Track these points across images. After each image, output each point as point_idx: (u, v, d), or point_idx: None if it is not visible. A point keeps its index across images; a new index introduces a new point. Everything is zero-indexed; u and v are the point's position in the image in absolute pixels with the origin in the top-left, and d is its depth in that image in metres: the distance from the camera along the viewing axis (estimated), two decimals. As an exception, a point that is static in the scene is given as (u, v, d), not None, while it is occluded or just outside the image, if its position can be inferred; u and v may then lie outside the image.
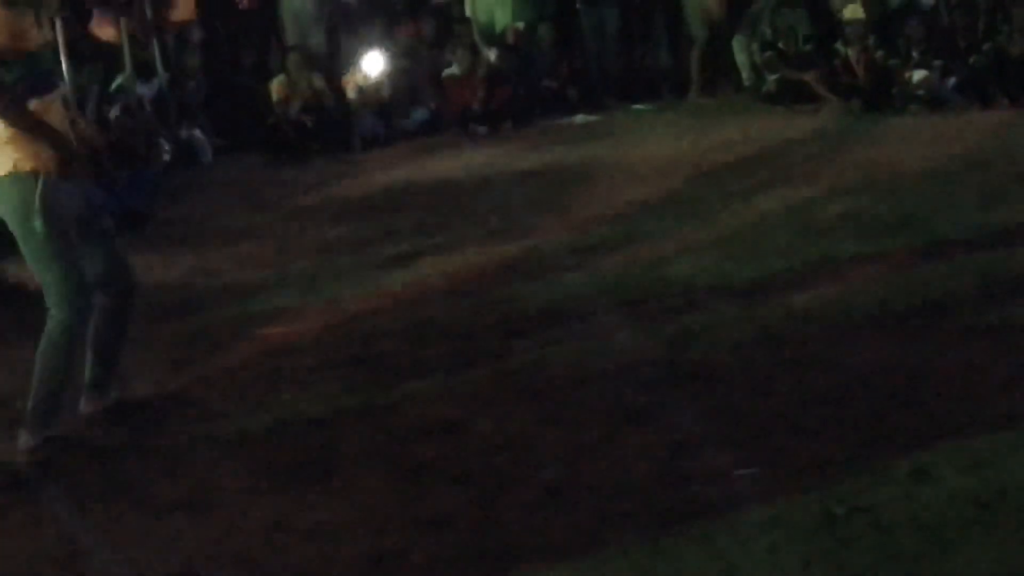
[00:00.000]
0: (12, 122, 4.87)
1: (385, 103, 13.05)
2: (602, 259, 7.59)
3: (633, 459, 4.67)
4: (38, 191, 4.89)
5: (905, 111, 11.95)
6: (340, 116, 12.71)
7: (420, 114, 13.18)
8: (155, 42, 12.20)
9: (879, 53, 12.46)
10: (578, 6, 13.91)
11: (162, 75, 12.26)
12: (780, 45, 12.90)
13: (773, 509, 4.13)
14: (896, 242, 7.32)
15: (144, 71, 12.13)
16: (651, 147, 11.14)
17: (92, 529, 4.51)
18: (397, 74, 13.23)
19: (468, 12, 13.99)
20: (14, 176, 4.92)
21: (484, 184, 10.19)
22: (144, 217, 9.50)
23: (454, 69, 13.13)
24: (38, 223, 4.90)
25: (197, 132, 12.25)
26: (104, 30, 11.95)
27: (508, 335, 6.33)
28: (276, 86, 12.69)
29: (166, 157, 10.21)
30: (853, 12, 12.73)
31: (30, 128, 4.89)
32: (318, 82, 12.87)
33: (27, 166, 4.90)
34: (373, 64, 12.91)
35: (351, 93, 12.94)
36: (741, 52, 13.28)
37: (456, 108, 13.04)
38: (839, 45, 12.69)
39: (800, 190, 8.88)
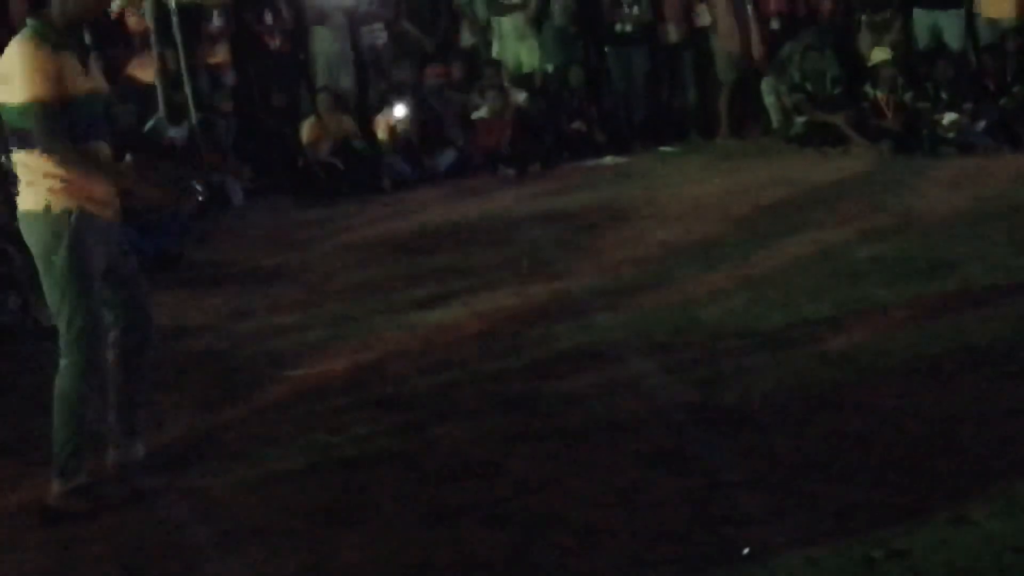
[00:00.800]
0: (68, 162, 4.92)
1: (414, 145, 13.10)
2: (632, 301, 7.59)
3: (667, 502, 4.67)
4: (70, 228, 4.94)
5: (935, 154, 11.93)
6: (370, 158, 12.77)
7: (449, 156, 13.22)
8: (188, 84, 12.28)
9: (908, 96, 12.46)
10: (606, 49, 13.96)
11: (193, 116, 12.33)
12: (809, 88, 12.91)
13: (810, 553, 4.11)
14: (928, 286, 7.31)
15: (176, 113, 12.22)
16: (680, 189, 11.15)
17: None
18: (425, 116, 13.29)
19: (496, 54, 14.05)
20: (47, 211, 4.96)
21: (513, 226, 10.21)
22: (175, 258, 9.55)
23: (483, 112, 13.18)
24: (62, 258, 4.93)
25: (229, 177, 12.32)
26: (143, 71, 12.06)
27: (540, 377, 6.34)
28: (306, 128, 12.76)
29: (200, 199, 10.23)
30: (881, 55, 12.75)
31: (86, 168, 4.95)
32: (348, 124, 12.95)
33: (62, 203, 4.95)
34: (402, 108, 12.98)
35: (381, 134, 13.00)
36: (770, 94, 13.29)
37: (485, 150, 13.07)
38: (868, 88, 12.69)
39: (830, 233, 8.87)
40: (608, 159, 13.22)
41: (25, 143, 4.95)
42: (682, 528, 4.42)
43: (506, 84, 13.54)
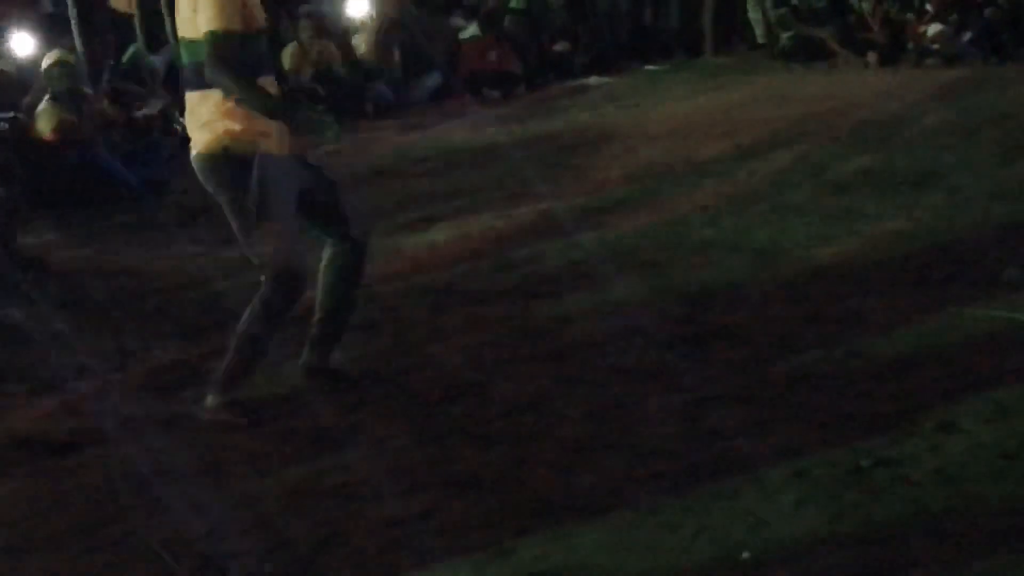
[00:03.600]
0: (251, 101, 4.81)
1: (397, 69, 13.00)
2: (619, 220, 7.56)
3: (657, 417, 4.66)
4: (255, 169, 4.86)
5: (921, 65, 11.86)
6: (352, 82, 12.67)
7: (433, 80, 13.12)
8: (166, 12, 12.13)
9: (893, 8, 12.37)
10: (588, -32, 13.86)
11: (174, 45, 12.19)
12: (794, 2, 12.82)
13: (799, 464, 4.11)
14: (916, 197, 7.29)
15: (155, 41, 12.09)
16: (665, 107, 11.10)
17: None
18: (407, 40, 13.17)
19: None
20: (226, 152, 4.88)
21: (499, 148, 10.15)
22: (161, 185, 9.49)
23: (474, 31, 13.06)
24: (251, 200, 4.87)
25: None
26: (121, 2, 11.92)
27: (527, 297, 6.32)
28: (288, 54, 12.65)
29: (179, 129, 10.17)
30: (866, -32, 12.67)
31: (266, 106, 4.85)
32: (330, 50, 12.84)
33: (241, 145, 4.86)
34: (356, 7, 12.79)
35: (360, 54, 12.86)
36: (755, 10, 13.21)
37: (468, 73, 12.98)
38: (853, 1, 12.60)
39: (817, 147, 8.85)
40: (593, 79, 13.15)
41: (204, 81, 4.82)
42: (671, 443, 4.41)
43: (501, 9, 13.42)
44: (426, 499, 4.16)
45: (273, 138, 4.90)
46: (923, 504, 3.78)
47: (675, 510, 3.89)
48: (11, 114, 9.97)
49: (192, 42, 4.85)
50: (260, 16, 4.93)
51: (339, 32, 13.38)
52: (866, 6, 12.37)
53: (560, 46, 13.60)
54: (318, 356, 5.33)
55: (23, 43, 10.86)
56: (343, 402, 5.15)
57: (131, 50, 11.94)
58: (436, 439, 4.69)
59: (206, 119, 4.89)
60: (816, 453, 4.20)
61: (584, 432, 4.58)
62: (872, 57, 12.10)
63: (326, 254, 5.25)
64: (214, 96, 4.84)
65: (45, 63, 9.89)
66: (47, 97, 9.77)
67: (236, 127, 4.84)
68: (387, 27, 13.17)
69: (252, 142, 4.85)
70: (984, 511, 3.71)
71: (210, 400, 5.09)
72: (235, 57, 4.76)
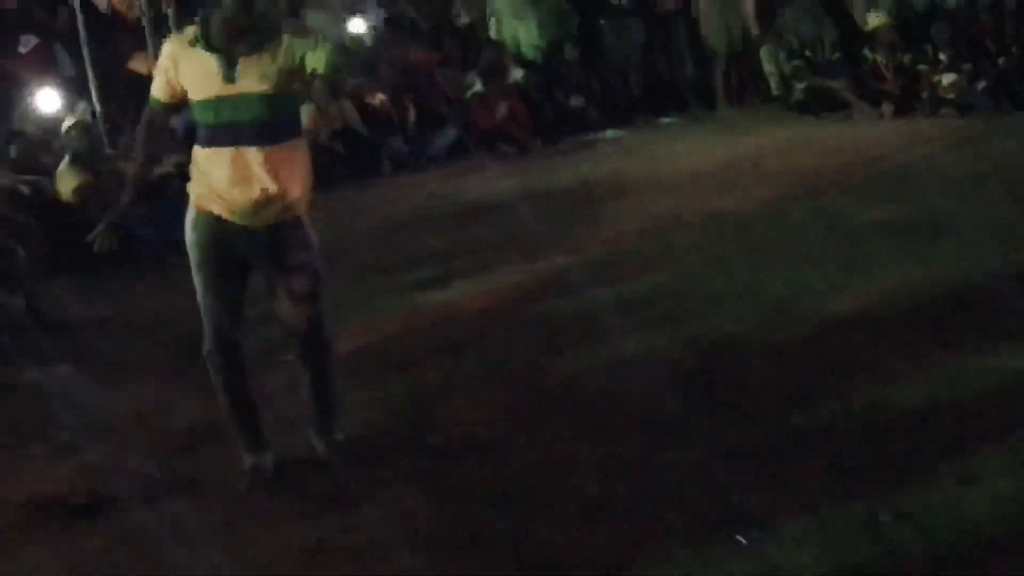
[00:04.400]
0: None
1: (411, 125, 13.06)
2: (634, 273, 7.57)
3: (672, 472, 4.65)
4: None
5: (935, 115, 11.89)
6: (369, 140, 12.73)
7: (448, 136, 13.18)
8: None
9: (907, 58, 12.41)
10: (601, 22, 13.91)
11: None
12: (807, 54, 12.86)
13: (817, 517, 4.09)
14: (930, 247, 7.29)
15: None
16: (680, 160, 11.13)
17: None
18: (421, 97, 13.23)
19: (492, 33, 14.00)
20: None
21: (514, 203, 10.16)
22: (172, 244, 9.51)
23: (478, 87, 13.12)
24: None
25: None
26: (141, 64, 12.01)
27: (543, 352, 6.32)
28: (304, 115, 12.68)
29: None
30: (878, 19, 12.68)
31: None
32: (348, 109, 12.90)
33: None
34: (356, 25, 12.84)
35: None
36: (769, 62, 13.24)
37: (483, 129, 13.03)
38: (866, 52, 12.64)
39: (832, 197, 8.86)
40: (608, 132, 13.20)
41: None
42: (687, 497, 4.40)
43: (503, 61, 13.47)
44: (440, 557, 4.15)
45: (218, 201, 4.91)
46: (943, 558, 3.77)
47: (692, 566, 3.88)
48: (32, 177, 10.06)
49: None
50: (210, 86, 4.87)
51: (353, 89, 13.46)
52: (880, 57, 12.41)
53: (575, 100, 13.67)
54: (319, 432, 5.28)
55: (49, 100, 10.95)
56: (358, 460, 5.15)
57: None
58: (451, 496, 4.69)
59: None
60: (834, 506, 4.19)
61: (599, 488, 4.58)
62: (886, 107, 12.13)
63: None
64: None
65: (64, 125, 9.98)
66: (67, 159, 9.86)
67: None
68: (401, 83, 13.25)
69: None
70: (1006, 564, 3.69)
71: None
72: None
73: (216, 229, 4.90)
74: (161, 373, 6.78)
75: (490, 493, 4.67)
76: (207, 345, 4.99)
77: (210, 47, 4.79)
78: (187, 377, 6.58)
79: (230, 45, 4.77)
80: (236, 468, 5.13)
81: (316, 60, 4.78)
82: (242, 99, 4.78)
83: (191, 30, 4.89)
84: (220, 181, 4.85)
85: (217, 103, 4.80)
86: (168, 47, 4.97)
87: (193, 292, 7.54)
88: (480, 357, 6.39)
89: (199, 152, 4.93)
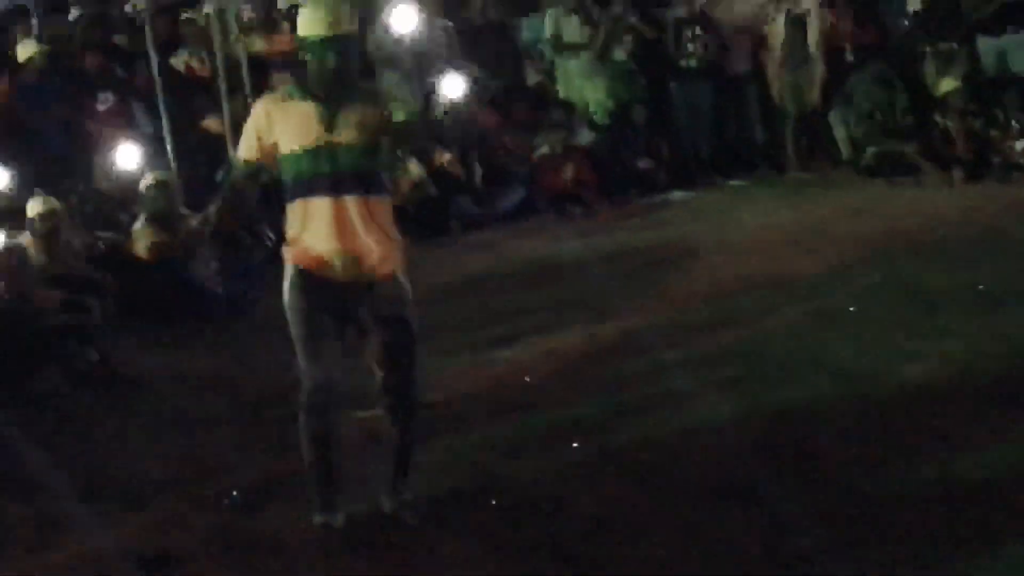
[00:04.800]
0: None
1: (479, 186, 13.13)
2: (702, 337, 7.55)
3: (738, 539, 4.64)
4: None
5: (1007, 181, 11.80)
6: (437, 200, 12.80)
7: (516, 196, 13.23)
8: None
9: (977, 123, 12.34)
10: (671, 84, 13.95)
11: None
12: (878, 118, 12.83)
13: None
14: (1003, 315, 7.22)
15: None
16: (749, 224, 11.09)
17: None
18: (489, 157, 13.30)
19: (561, 93, 14.08)
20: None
21: (581, 264, 10.19)
22: (250, 302, 9.63)
23: (546, 149, 13.18)
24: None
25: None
26: (213, 124, 12.20)
27: (609, 413, 6.33)
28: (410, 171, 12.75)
29: (268, 244, 10.35)
30: (949, 84, 12.63)
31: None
32: (415, 170, 12.98)
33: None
34: (452, 86, 12.87)
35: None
36: (839, 126, 13.21)
37: (550, 189, 13.08)
38: (937, 116, 12.58)
39: (904, 263, 8.80)
40: (676, 194, 13.19)
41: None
42: (754, 565, 4.39)
43: (571, 122, 13.54)
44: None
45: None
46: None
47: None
48: (108, 234, 10.23)
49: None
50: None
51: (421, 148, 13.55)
52: (951, 122, 12.35)
53: (643, 162, 13.68)
54: (390, 489, 5.32)
55: (129, 156, 11.13)
56: (425, 517, 5.17)
57: (222, 173, 12.13)
58: (516, 555, 4.70)
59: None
60: (904, 576, 4.16)
61: (665, 552, 4.57)
62: (957, 173, 12.05)
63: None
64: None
65: (143, 185, 10.14)
66: (143, 217, 10.01)
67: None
68: (469, 142, 13.34)
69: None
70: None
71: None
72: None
73: (314, 285, 4.99)
74: (230, 428, 6.85)
75: (556, 552, 4.68)
76: (303, 397, 5.03)
77: (310, 97, 4.91)
78: (255, 433, 6.67)
79: (331, 95, 4.89)
80: (304, 525, 5.17)
81: (396, 119, 4.90)
82: (342, 148, 4.90)
83: (283, 89, 5.02)
84: (319, 232, 4.94)
85: (316, 152, 4.91)
86: (259, 105, 5.09)
87: (262, 349, 7.67)
88: (547, 416, 6.40)
89: (295, 207, 5.01)
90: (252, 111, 5.12)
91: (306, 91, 4.95)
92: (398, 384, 5.11)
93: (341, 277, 4.97)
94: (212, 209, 5.15)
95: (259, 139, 5.02)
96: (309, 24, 4.93)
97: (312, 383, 5.00)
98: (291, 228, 5.05)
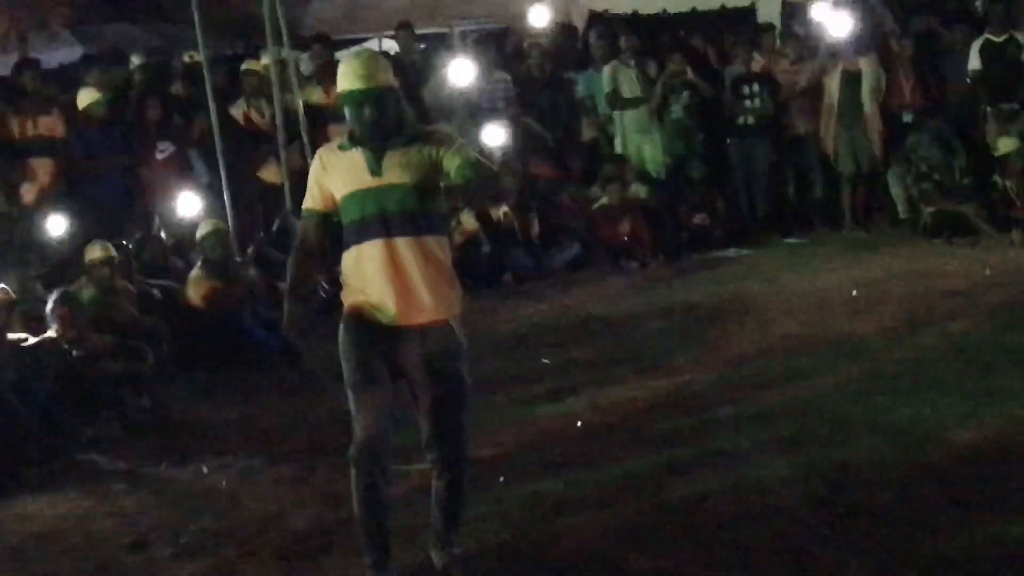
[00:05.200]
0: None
1: (535, 239, 13.13)
2: (757, 395, 7.49)
3: (795, 600, 4.57)
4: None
5: (1068, 242, 11.68)
6: (491, 252, 12.82)
7: (571, 250, 13.23)
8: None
9: (1038, 185, 12.24)
10: (728, 141, 13.94)
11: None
12: (936, 178, 12.74)
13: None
14: (1062, 377, 7.13)
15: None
16: (805, 281, 11.03)
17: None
18: (545, 210, 13.31)
19: (617, 148, 14.10)
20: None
21: (636, 319, 10.17)
22: (299, 353, 9.64)
23: (604, 200, 13.18)
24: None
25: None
26: (269, 174, 12.30)
27: (662, 470, 6.27)
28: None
29: (322, 295, 10.39)
30: (1009, 145, 12.54)
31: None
32: (469, 222, 13.01)
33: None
34: (494, 136, 12.89)
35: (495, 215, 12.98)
36: (897, 185, 13.13)
37: (606, 243, 13.07)
38: (996, 178, 12.49)
39: (961, 325, 8.71)
40: (731, 251, 13.15)
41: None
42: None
43: (627, 177, 13.54)
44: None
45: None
46: None
47: None
48: (164, 281, 10.32)
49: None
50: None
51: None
52: (1010, 183, 12.26)
53: (698, 218, 13.66)
54: (439, 543, 5.27)
55: (189, 204, 11.24)
56: (475, 574, 5.13)
57: (278, 221, 12.19)
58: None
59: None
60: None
61: (720, 613, 4.51)
62: (1017, 234, 11.93)
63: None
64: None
65: (200, 232, 10.24)
66: (199, 264, 10.10)
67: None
68: (525, 196, 13.36)
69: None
70: None
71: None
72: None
73: (368, 333, 5.00)
74: (283, 477, 6.86)
75: (607, 613, 4.63)
76: (354, 448, 4.98)
77: (359, 145, 5.01)
78: (307, 483, 6.67)
79: (377, 142, 4.99)
80: (356, 573, 5.15)
81: (450, 163, 4.92)
82: (387, 189, 4.97)
83: (338, 139, 5.15)
84: (372, 275, 4.97)
85: (364, 195, 4.99)
86: (318, 156, 5.20)
87: (315, 399, 7.68)
88: (599, 472, 6.36)
89: (349, 254, 5.06)
90: (312, 162, 5.22)
91: (356, 140, 5.04)
92: (447, 439, 5.08)
93: (394, 321, 4.97)
94: (288, 267, 5.17)
95: (319, 188, 5.12)
96: (344, 78, 5.07)
97: (363, 434, 4.97)
98: (346, 274, 5.08)
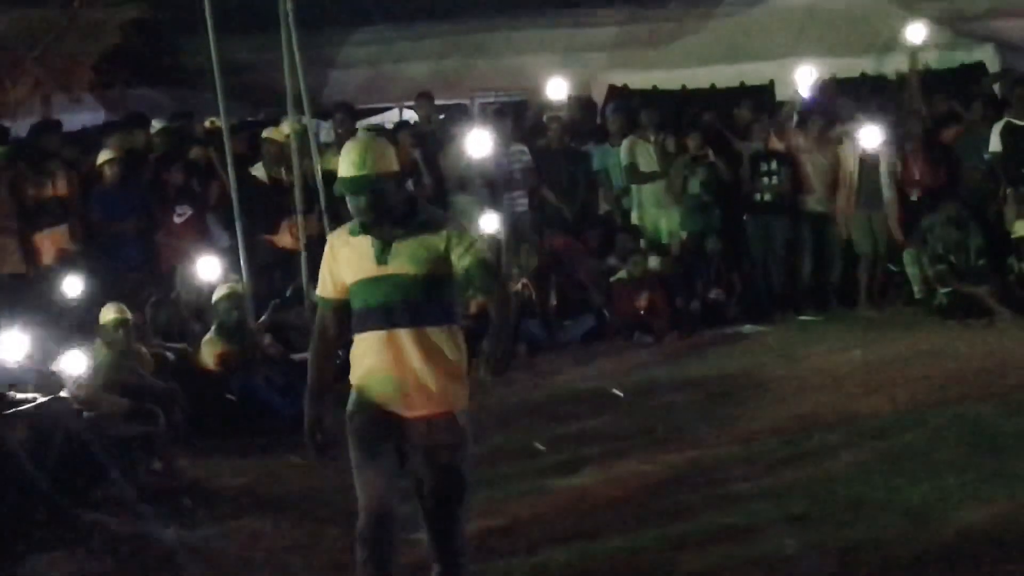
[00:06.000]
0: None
1: (551, 311, 13.14)
2: (769, 472, 7.47)
3: None
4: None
5: (1083, 326, 11.66)
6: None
7: (585, 322, 13.24)
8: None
9: (1054, 267, 12.24)
10: (745, 217, 13.97)
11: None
12: (952, 259, 12.75)
13: None
14: (1076, 460, 7.10)
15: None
16: (819, 359, 11.02)
17: None
18: (562, 281, 13.33)
19: (635, 221, 14.14)
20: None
21: (649, 393, 10.16)
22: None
23: (623, 274, 13.19)
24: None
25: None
26: (284, 238, 12.35)
27: (674, 545, 6.25)
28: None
29: (337, 363, 10.39)
30: (1024, 227, 12.57)
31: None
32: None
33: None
34: (489, 223, 12.88)
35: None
36: (912, 265, 13.14)
37: (623, 316, 13.07)
38: (1012, 260, 12.50)
39: (974, 406, 8.68)
40: (746, 327, 13.13)
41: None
42: None
43: (640, 249, 13.56)
44: None
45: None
46: None
47: None
48: (179, 344, 10.34)
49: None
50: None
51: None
52: (1025, 266, 12.28)
53: (714, 293, 13.67)
54: None
55: (209, 268, 11.26)
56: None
57: (290, 289, 12.20)
58: None
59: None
60: None
61: None
62: (1031, 316, 11.95)
63: None
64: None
65: (216, 295, 10.28)
66: (213, 328, 10.13)
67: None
68: (543, 268, 13.38)
69: None
70: None
71: None
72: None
73: (373, 415, 4.98)
74: (293, 543, 6.83)
75: None
76: (360, 524, 4.95)
77: (367, 232, 4.97)
78: (317, 549, 6.64)
79: (383, 230, 4.95)
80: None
81: (460, 262, 4.91)
82: (392, 279, 4.93)
83: (349, 224, 5.10)
84: (374, 364, 4.96)
85: (369, 283, 4.96)
86: (329, 242, 5.19)
87: (327, 468, 7.65)
88: (608, 546, 6.34)
89: (357, 340, 5.05)
90: (326, 248, 5.19)
91: (365, 226, 5.01)
92: (443, 533, 5.04)
93: (396, 411, 4.97)
94: (308, 361, 5.19)
95: (331, 275, 5.11)
96: (340, 165, 5.04)
97: (366, 513, 4.93)
98: (353, 357, 5.07)
